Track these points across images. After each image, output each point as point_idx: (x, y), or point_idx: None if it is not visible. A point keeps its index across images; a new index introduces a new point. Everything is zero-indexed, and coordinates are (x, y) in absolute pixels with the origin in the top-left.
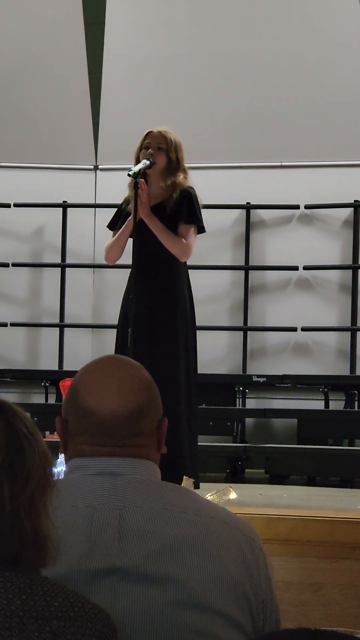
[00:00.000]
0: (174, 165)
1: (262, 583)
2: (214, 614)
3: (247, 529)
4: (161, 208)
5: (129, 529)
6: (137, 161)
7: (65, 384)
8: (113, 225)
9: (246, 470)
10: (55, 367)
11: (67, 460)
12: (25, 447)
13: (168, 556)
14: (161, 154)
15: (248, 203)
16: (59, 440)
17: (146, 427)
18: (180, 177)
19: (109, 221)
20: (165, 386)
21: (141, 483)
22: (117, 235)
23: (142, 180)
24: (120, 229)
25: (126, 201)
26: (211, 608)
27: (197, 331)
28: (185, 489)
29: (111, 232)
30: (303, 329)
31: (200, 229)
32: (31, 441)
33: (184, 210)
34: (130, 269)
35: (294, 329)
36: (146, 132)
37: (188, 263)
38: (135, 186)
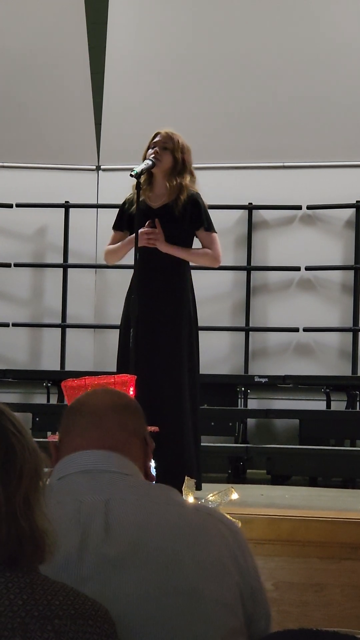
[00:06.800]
0: (180, 166)
1: (250, 570)
2: (203, 599)
3: (230, 523)
4: (168, 210)
5: (116, 520)
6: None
7: (67, 384)
8: (117, 226)
9: (248, 470)
10: (57, 368)
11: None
12: (15, 445)
13: (155, 544)
14: (166, 153)
15: (250, 203)
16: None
17: (132, 424)
18: (187, 179)
19: (113, 222)
20: (168, 387)
21: (126, 477)
22: (118, 246)
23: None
24: (123, 230)
25: (129, 202)
26: (201, 594)
27: (199, 331)
28: (169, 488)
29: (112, 232)
30: (305, 330)
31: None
32: (20, 439)
33: (203, 220)
34: (132, 270)
35: (296, 330)
36: (154, 133)
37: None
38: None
